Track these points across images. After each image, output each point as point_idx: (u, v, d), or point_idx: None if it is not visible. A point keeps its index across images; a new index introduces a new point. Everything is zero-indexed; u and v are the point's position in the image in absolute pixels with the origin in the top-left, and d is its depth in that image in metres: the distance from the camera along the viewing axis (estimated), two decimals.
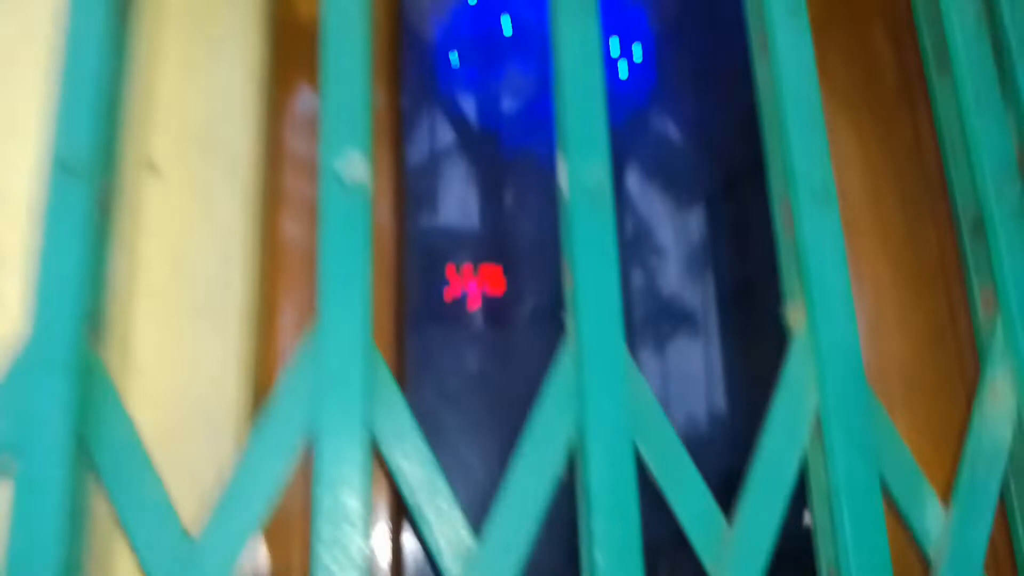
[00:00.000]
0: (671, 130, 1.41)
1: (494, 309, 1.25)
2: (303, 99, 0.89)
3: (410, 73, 1.18)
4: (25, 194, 0.66)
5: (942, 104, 0.73)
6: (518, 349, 1.27)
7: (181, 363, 0.72)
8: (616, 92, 1.43)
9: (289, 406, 0.53)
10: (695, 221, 1.40)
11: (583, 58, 0.62)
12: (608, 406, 0.54)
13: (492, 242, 1.32)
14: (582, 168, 0.59)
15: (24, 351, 0.52)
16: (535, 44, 1.45)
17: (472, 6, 1.44)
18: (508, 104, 1.41)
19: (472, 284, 1.25)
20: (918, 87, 0.97)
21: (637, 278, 1.36)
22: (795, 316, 0.63)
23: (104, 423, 0.53)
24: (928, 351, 0.93)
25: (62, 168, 0.54)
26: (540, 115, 1.40)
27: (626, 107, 1.38)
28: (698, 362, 1.32)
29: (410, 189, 1.02)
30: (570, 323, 0.58)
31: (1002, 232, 0.65)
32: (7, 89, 0.69)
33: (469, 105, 1.37)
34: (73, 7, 0.57)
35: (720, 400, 1.29)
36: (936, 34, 0.73)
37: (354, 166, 0.57)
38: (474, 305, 1.25)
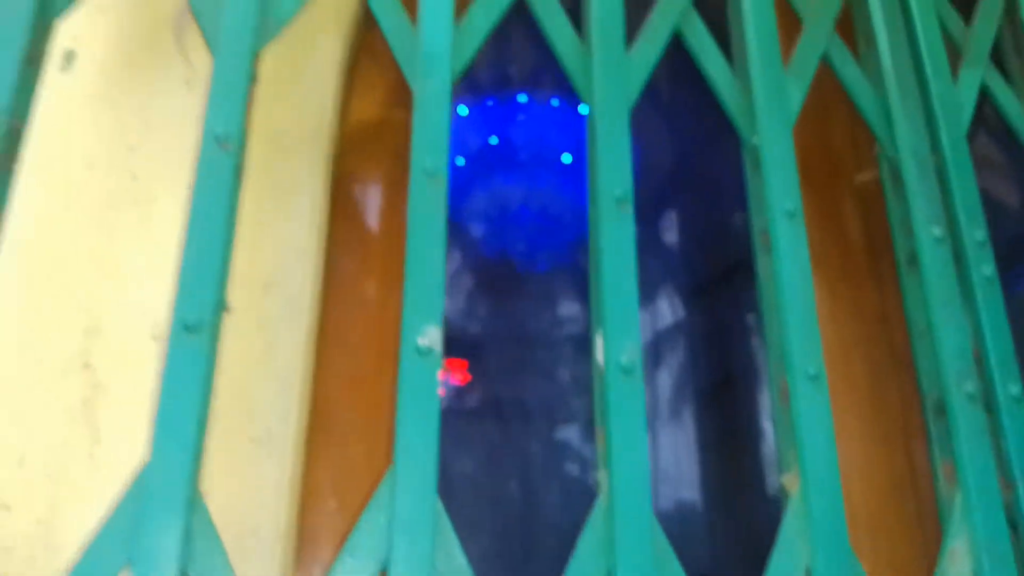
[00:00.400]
0: (647, 237, 1.54)
1: (455, 398, 1.33)
2: (357, 246, 0.99)
3: None
4: (125, 334, 0.74)
5: (910, 297, 0.85)
6: (478, 436, 1.36)
7: (238, 488, 0.79)
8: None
9: (367, 540, 0.61)
10: (669, 320, 1.53)
11: (620, 255, 0.73)
12: (636, 561, 0.63)
13: (461, 337, 1.42)
14: (617, 348, 0.70)
15: (139, 482, 0.60)
16: (520, 158, 1.59)
17: (463, 117, 1.58)
18: (489, 210, 1.53)
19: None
20: (887, 265, 1.11)
21: None
22: (790, 482, 0.73)
23: (203, 552, 0.60)
24: (891, 502, 1.04)
25: (184, 328, 0.62)
26: (519, 223, 1.53)
27: None
28: (670, 456, 1.42)
29: None
30: (602, 482, 0.68)
31: (961, 418, 0.77)
32: (110, 238, 0.78)
33: (452, 208, 1.49)
34: (200, 186, 0.66)
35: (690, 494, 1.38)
36: (907, 241, 0.86)
37: (430, 338, 0.66)
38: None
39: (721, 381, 1.43)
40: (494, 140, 1.62)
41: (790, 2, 0.93)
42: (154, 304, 0.76)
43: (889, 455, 1.07)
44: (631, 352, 0.70)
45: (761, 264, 0.82)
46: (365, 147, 1.07)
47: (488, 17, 0.80)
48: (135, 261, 0.77)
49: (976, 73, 0.95)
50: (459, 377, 1.34)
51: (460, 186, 1.51)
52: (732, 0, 0.91)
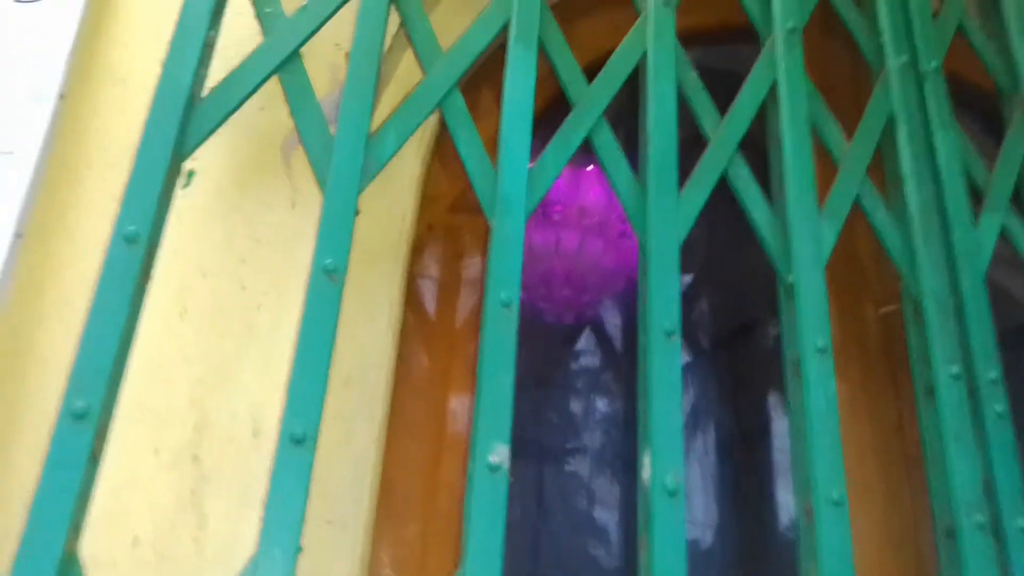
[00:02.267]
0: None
1: None
2: (421, 338, 1.07)
3: None
4: (229, 430, 0.82)
5: (926, 426, 0.91)
6: None
7: (315, 567, 0.86)
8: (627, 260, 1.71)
9: None
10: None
11: (668, 385, 0.80)
12: None
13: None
14: (663, 470, 0.77)
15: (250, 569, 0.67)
16: (540, 222, 1.72)
17: None
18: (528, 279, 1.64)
19: None
20: (904, 376, 1.17)
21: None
22: None
23: None
24: None
25: (290, 440, 0.70)
26: (537, 278, 1.66)
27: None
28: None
29: None
30: None
31: (970, 546, 0.82)
32: (219, 342, 0.87)
33: None
34: (309, 314, 0.74)
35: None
36: (925, 373, 0.92)
37: (500, 455, 0.74)
38: None
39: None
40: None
41: (828, 148, 1.01)
42: (256, 402, 0.84)
43: (900, 556, 1.13)
44: (676, 475, 0.77)
45: (792, 391, 0.89)
46: (433, 249, 1.16)
47: (559, 161, 0.89)
48: (241, 363, 0.85)
49: (996, 217, 1.02)
50: None
51: None
52: (773, 146, 0.99)
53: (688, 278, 1.72)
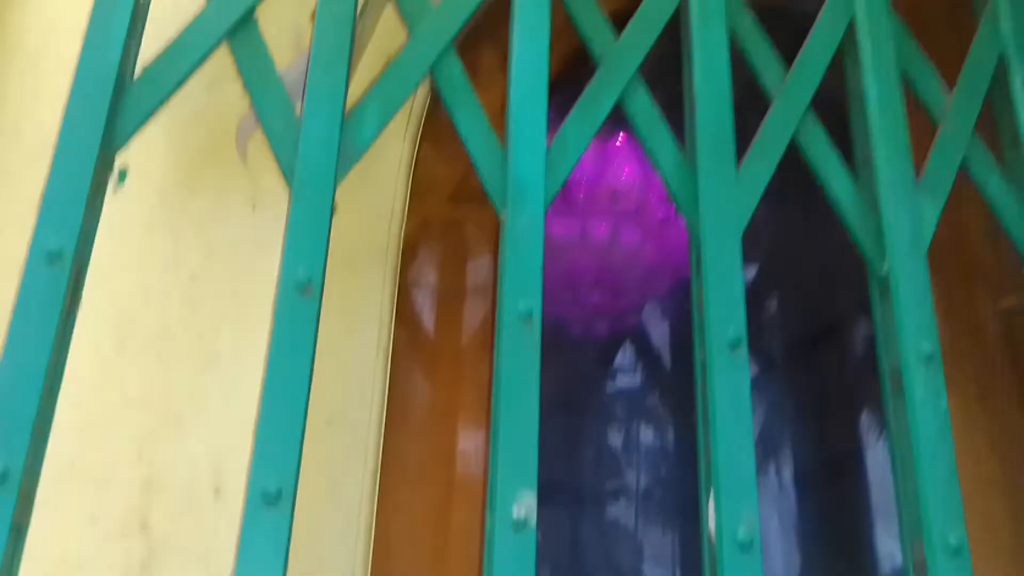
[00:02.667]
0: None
1: None
2: (418, 358, 1.07)
3: None
4: (185, 488, 0.83)
5: None
6: None
7: None
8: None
9: None
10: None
11: (736, 408, 0.79)
12: None
13: None
14: (733, 518, 0.76)
15: None
16: (561, 209, 1.75)
17: None
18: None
19: None
20: None
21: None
22: None
23: None
24: None
25: (262, 498, 0.70)
26: (560, 281, 1.68)
27: None
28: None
29: None
30: None
31: None
32: (169, 380, 0.87)
33: None
34: (278, 340, 0.74)
35: None
36: None
37: (526, 507, 0.73)
38: None
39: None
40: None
41: (923, 102, 1.00)
42: (218, 453, 0.84)
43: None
44: (749, 523, 0.76)
45: (892, 409, 0.87)
46: (430, 251, 1.16)
47: (584, 134, 0.88)
48: (196, 405, 0.85)
49: None
50: None
51: None
52: (854, 102, 0.98)
53: (752, 271, 1.72)
